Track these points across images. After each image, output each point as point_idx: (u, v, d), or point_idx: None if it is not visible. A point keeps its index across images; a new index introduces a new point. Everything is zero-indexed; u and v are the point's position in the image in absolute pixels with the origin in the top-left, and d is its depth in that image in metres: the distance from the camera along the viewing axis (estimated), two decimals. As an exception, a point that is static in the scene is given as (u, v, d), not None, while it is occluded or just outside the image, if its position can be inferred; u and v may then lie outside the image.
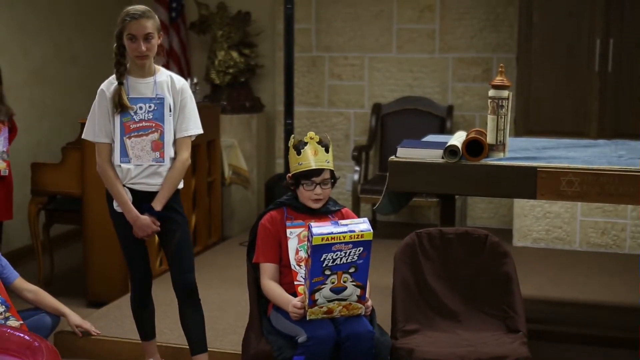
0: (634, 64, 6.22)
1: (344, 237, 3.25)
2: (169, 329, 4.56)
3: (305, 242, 3.40)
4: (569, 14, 6.29)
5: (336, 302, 3.34)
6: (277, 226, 3.59)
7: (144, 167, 3.83)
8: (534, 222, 6.52)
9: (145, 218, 3.83)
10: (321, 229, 3.26)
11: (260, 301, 3.68)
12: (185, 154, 3.90)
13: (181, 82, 3.92)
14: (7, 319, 3.88)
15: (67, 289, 5.53)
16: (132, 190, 3.85)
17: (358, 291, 3.35)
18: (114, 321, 4.77)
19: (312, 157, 3.53)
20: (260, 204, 7.27)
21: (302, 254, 3.50)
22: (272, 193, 6.78)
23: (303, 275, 3.45)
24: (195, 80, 6.37)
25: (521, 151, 4.25)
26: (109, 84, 3.84)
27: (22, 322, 3.92)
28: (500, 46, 6.98)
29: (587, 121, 6.29)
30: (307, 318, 3.33)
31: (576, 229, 6.45)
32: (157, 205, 3.84)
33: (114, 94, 3.79)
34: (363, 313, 3.40)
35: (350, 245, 3.27)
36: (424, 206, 6.80)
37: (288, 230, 3.56)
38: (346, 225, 3.32)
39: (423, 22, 7.15)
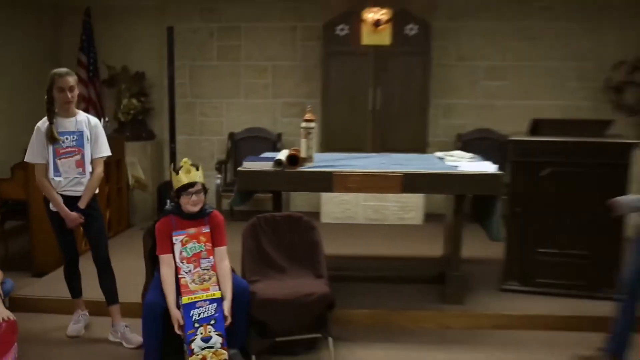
0: (393, 104, 6.44)
1: (203, 297, 3.32)
2: (92, 289, 4.36)
3: (186, 245, 3.40)
4: (352, 72, 6.44)
5: (207, 349, 3.29)
6: (168, 228, 3.49)
7: (70, 179, 3.71)
8: (334, 206, 6.66)
9: (74, 214, 3.72)
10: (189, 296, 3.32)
11: (153, 266, 3.60)
12: (99, 169, 3.79)
13: (94, 120, 3.81)
14: None
15: (18, 265, 5.24)
16: (62, 196, 3.72)
17: (220, 339, 3.31)
18: (53, 286, 4.57)
19: (186, 176, 3.45)
20: (154, 202, 7.11)
21: (184, 254, 3.45)
22: (162, 194, 6.63)
23: (185, 270, 3.40)
24: (107, 119, 6.15)
25: (323, 162, 4.32)
26: (42, 123, 3.71)
27: None
28: (311, 94, 7.08)
29: (364, 141, 6.46)
30: None
31: (359, 210, 6.66)
32: (82, 204, 3.73)
33: (47, 130, 3.67)
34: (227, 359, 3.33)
35: (208, 302, 3.31)
36: (263, 199, 6.80)
37: (174, 238, 3.45)
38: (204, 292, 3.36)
39: (261, 78, 7.18)
